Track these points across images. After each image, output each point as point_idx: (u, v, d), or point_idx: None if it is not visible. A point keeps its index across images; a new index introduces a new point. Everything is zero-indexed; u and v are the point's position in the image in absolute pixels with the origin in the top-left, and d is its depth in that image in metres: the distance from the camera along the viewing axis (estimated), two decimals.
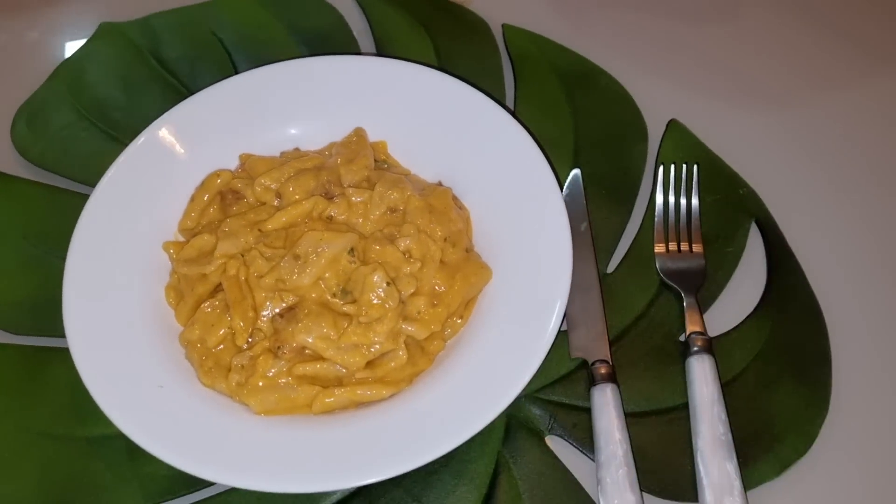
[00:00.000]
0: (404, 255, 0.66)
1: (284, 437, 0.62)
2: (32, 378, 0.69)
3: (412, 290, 0.65)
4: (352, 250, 0.66)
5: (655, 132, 0.81)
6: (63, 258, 0.72)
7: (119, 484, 0.64)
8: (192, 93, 0.77)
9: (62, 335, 0.69)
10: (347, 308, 0.65)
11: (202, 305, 0.67)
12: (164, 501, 0.64)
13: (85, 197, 0.75)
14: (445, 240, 0.68)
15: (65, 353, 0.68)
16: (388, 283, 0.64)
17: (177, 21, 0.88)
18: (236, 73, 0.84)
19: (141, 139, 0.73)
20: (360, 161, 0.72)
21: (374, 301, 0.64)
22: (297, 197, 0.69)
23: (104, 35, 0.87)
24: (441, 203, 0.70)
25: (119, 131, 0.81)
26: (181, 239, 0.72)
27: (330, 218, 0.69)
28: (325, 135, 0.76)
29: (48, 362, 0.69)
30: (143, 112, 0.81)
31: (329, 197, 0.70)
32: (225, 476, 0.59)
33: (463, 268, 0.67)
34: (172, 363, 0.65)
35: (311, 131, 0.76)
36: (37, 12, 0.92)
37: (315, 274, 0.65)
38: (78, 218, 0.69)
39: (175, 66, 0.86)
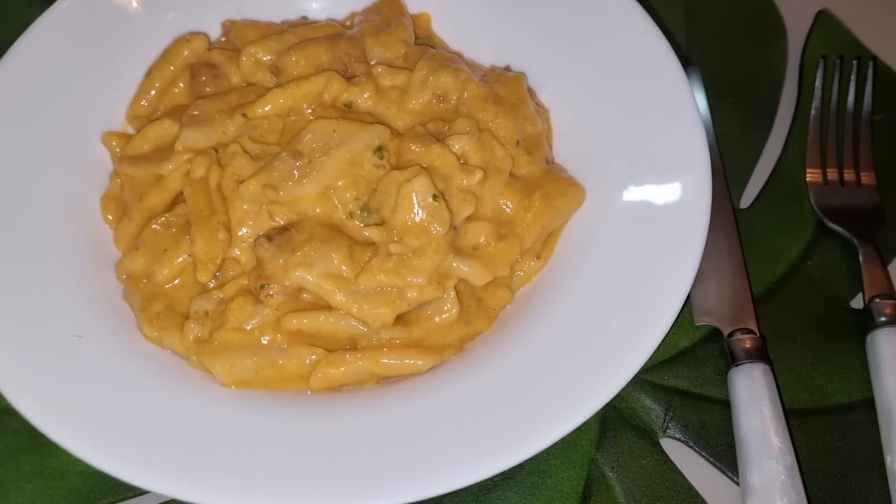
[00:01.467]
0: (458, 159, 0.45)
1: (263, 426, 0.41)
2: None
3: (468, 212, 0.46)
4: (379, 149, 0.46)
5: (795, 28, 0.61)
6: None
7: (13, 481, 0.44)
8: None
9: None
10: (371, 233, 0.44)
11: (151, 223, 0.47)
12: None
13: None
14: (518, 143, 0.48)
15: None
16: (434, 197, 0.43)
17: None
18: None
19: None
20: (396, 32, 0.52)
21: (411, 222, 0.43)
22: (301, 72, 0.48)
23: None
24: (512, 93, 0.50)
25: None
26: (130, 131, 0.52)
27: (349, 105, 0.49)
28: (345, 4, 0.55)
29: None
30: None
31: (349, 76, 0.48)
32: (167, 485, 0.39)
33: (543, 185, 0.48)
34: (100, 304, 0.45)
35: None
36: None
37: (323, 180, 0.45)
38: None
39: None
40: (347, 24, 0.56)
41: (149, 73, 0.52)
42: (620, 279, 0.44)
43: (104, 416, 0.40)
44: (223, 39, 0.55)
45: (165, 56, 0.52)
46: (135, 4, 0.53)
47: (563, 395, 0.41)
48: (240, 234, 0.44)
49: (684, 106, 0.47)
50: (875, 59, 0.56)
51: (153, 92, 0.52)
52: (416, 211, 0.43)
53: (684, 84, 0.48)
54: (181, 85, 0.52)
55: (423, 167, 0.44)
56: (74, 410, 0.40)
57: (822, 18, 0.60)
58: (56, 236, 0.46)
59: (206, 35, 0.53)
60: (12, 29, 0.57)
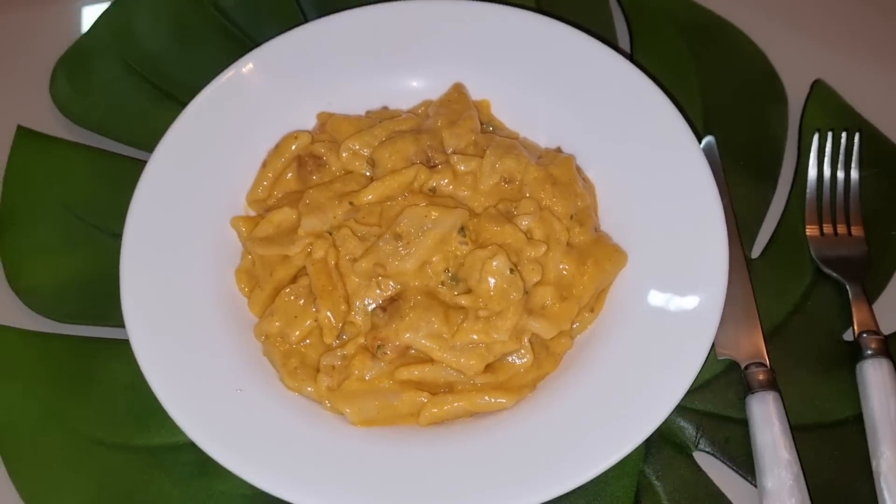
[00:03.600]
0: (525, 235, 0.56)
1: (389, 453, 0.52)
2: (82, 375, 0.59)
3: (536, 279, 0.55)
4: (462, 229, 0.55)
5: (793, 96, 0.70)
6: (113, 233, 0.63)
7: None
8: (256, 43, 0.66)
9: (115, 324, 0.60)
10: (462, 300, 0.54)
11: (282, 292, 0.56)
12: None
13: (135, 161, 0.66)
14: (571, 218, 0.57)
15: (119, 347, 0.59)
16: (511, 270, 0.53)
17: None
18: (305, 20, 0.72)
19: (203, 96, 0.62)
20: (465, 123, 0.61)
21: (494, 291, 0.54)
22: (394, 165, 0.58)
23: None
24: (565, 173, 0.59)
25: (174, 87, 0.70)
26: (251, 213, 0.61)
27: (433, 190, 0.58)
28: (417, 91, 0.65)
29: (99, 356, 0.59)
30: (201, 65, 0.71)
31: (431, 165, 0.59)
32: (320, 499, 0.49)
33: (594, 252, 0.57)
34: (249, 360, 0.55)
35: (399, 87, 0.65)
36: None
37: (421, 257, 0.55)
38: (129, 186, 0.59)
39: (235, 13, 0.75)
40: (420, 111, 0.65)
41: (264, 165, 0.62)
42: (660, 327, 0.53)
43: (264, 447, 0.51)
44: (319, 132, 0.63)
45: (277, 149, 0.62)
46: (248, 105, 0.62)
47: (620, 423, 0.50)
48: (358, 304, 0.54)
49: (706, 194, 0.56)
50: (860, 130, 0.65)
51: (266, 183, 0.61)
52: (497, 281, 0.53)
53: (702, 163, 0.58)
54: (290, 174, 0.61)
55: (499, 245, 0.55)
56: (240, 443, 0.51)
57: (818, 87, 0.68)
58: (210, 303, 0.56)
59: (310, 132, 0.62)
60: (133, 121, 0.69)
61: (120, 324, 0.59)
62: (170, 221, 0.58)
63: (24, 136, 0.68)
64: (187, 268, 0.57)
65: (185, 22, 0.74)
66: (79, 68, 0.71)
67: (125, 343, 0.58)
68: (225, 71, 0.63)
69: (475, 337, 0.53)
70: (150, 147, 0.66)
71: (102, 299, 0.61)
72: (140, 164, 0.65)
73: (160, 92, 0.70)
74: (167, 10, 0.74)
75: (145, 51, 0.72)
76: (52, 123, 0.69)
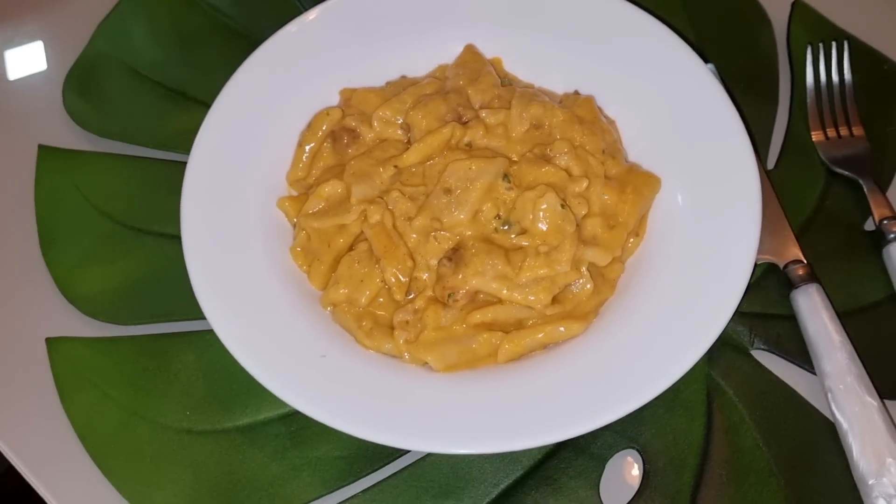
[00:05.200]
0: (566, 173, 0.59)
1: (476, 393, 0.54)
2: (157, 372, 0.60)
3: (584, 212, 0.58)
4: (506, 176, 0.58)
5: (777, 20, 0.74)
6: (158, 233, 0.65)
7: (289, 474, 0.56)
8: (257, 37, 0.67)
9: (179, 318, 0.61)
10: (519, 240, 0.57)
11: (343, 260, 0.59)
12: (344, 485, 0.56)
13: (164, 163, 0.68)
14: (603, 152, 0.61)
15: (188, 339, 0.61)
16: (562, 206, 0.56)
17: None
18: (302, 10, 0.74)
19: (226, 93, 0.63)
20: (485, 79, 0.64)
21: (549, 227, 0.57)
22: (429, 125, 0.61)
23: None
24: (588, 112, 0.62)
25: (185, 85, 0.72)
26: (293, 193, 0.63)
27: (469, 144, 0.61)
28: (430, 58, 0.68)
29: (170, 351, 0.60)
30: (207, 63, 0.73)
31: (463, 122, 0.61)
32: (419, 441, 0.52)
33: (630, 179, 0.60)
34: (326, 329, 0.57)
35: (412, 57, 0.67)
36: None
37: (473, 207, 0.58)
38: (163, 186, 0.63)
39: (231, 9, 0.76)
40: (438, 75, 0.67)
41: (299, 144, 0.63)
42: (704, 242, 0.56)
43: (355, 400, 0.52)
44: (345, 107, 0.64)
45: (310, 128, 0.63)
46: (271, 94, 0.64)
47: (684, 337, 0.53)
48: (429, 260, 0.56)
49: (723, 107, 0.60)
50: (848, 38, 0.70)
51: (304, 162, 0.63)
52: (550, 217, 0.56)
53: (716, 84, 0.61)
54: (326, 150, 0.63)
55: (546, 184, 0.58)
56: (333, 400, 0.52)
57: (798, 6, 0.73)
58: (277, 283, 0.57)
59: (339, 107, 0.64)
60: (153, 124, 0.70)
61: (184, 317, 0.61)
62: (220, 215, 0.59)
63: (48, 154, 0.68)
64: (246, 254, 0.59)
65: (183, 23, 0.75)
66: (87, 81, 0.72)
67: (193, 335, 0.61)
68: (242, 66, 0.64)
69: (540, 272, 0.56)
70: (175, 147, 0.68)
71: (160, 297, 0.62)
72: (169, 165, 0.67)
73: (173, 92, 0.72)
74: (164, 14, 0.75)
75: (149, 56, 0.73)
76: (75, 138, 0.70)
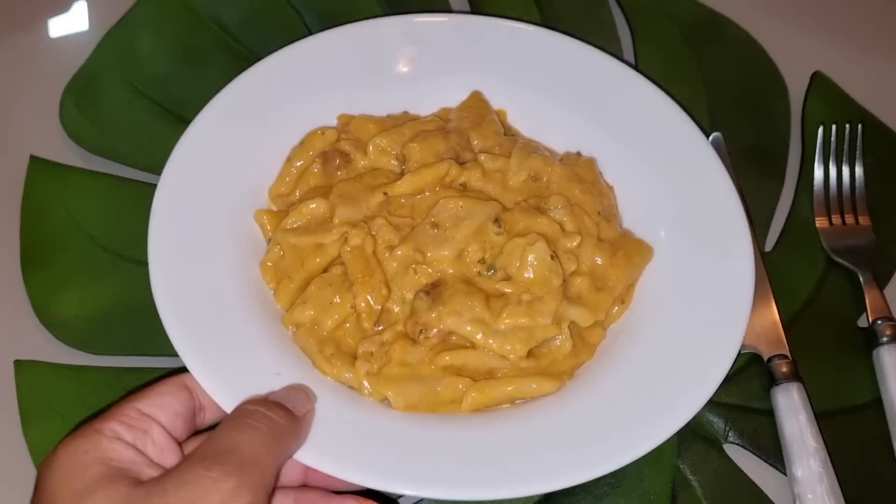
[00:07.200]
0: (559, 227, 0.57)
1: (429, 435, 0.51)
2: None
3: (573, 269, 0.56)
4: (497, 220, 0.57)
5: (794, 89, 0.72)
6: (137, 261, 0.62)
7: None
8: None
9: (149, 354, 0.60)
10: (502, 286, 0.55)
11: (315, 281, 0.56)
12: None
13: (152, 187, 0.65)
14: (599, 213, 0.59)
15: (156, 375, 0.59)
16: (552, 257, 0.55)
17: None
18: (309, 34, 0.73)
19: (214, 102, 0.62)
20: (489, 125, 0.63)
21: (535, 276, 0.55)
22: (425, 160, 0.59)
23: None
24: (589, 173, 0.61)
25: (183, 109, 0.70)
26: (273, 208, 0.61)
27: (464, 185, 0.59)
28: (433, 100, 0.66)
29: (134, 386, 0.59)
30: (209, 86, 0.70)
31: (461, 162, 0.60)
32: (360, 475, 0.49)
33: (623, 245, 0.58)
34: (286, 351, 0.54)
35: (416, 95, 0.66)
36: None
37: (459, 245, 0.56)
38: (148, 213, 0.57)
39: (239, 31, 0.75)
40: (441, 116, 0.65)
41: (289, 159, 0.61)
42: (692, 320, 0.55)
43: (316, 433, 0.49)
44: (342, 132, 0.62)
45: (304, 144, 0.61)
46: (263, 109, 0.62)
47: (658, 412, 0.51)
48: (403, 292, 0.54)
49: (723, 188, 0.59)
50: (862, 121, 0.68)
51: (289, 178, 0.61)
52: (538, 267, 0.54)
53: (714, 157, 0.60)
54: (315, 169, 0.61)
55: (539, 234, 0.55)
56: None
57: (817, 79, 0.72)
58: (244, 304, 0.54)
59: (335, 128, 0.62)
60: (146, 147, 0.69)
61: (154, 353, 0.59)
62: (192, 234, 0.57)
63: (39, 165, 0.67)
64: (219, 275, 0.56)
65: (189, 42, 0.73)
66: (86, 95, 0.69)
67: (161, 371, 0.59)
68: (238, 76, 0.63)
69: (520, 321, 0.53)
70: (161, 170, 0.66)
71: (131, 328, 0.59)
72: (153, 188, 0.66)
73: (170, 114, 0.70)
74: (170, 31, 0.74)
75: (151, 73, 0.71)
76: (67, 152, 0.68)
